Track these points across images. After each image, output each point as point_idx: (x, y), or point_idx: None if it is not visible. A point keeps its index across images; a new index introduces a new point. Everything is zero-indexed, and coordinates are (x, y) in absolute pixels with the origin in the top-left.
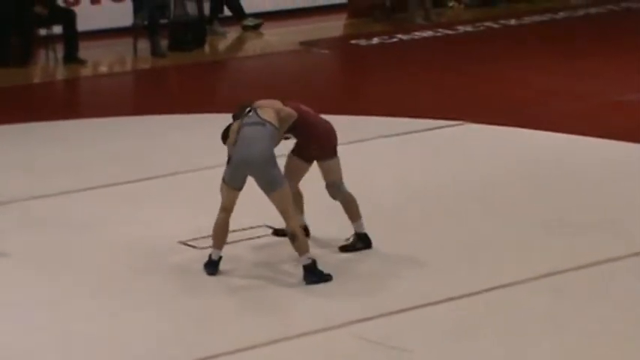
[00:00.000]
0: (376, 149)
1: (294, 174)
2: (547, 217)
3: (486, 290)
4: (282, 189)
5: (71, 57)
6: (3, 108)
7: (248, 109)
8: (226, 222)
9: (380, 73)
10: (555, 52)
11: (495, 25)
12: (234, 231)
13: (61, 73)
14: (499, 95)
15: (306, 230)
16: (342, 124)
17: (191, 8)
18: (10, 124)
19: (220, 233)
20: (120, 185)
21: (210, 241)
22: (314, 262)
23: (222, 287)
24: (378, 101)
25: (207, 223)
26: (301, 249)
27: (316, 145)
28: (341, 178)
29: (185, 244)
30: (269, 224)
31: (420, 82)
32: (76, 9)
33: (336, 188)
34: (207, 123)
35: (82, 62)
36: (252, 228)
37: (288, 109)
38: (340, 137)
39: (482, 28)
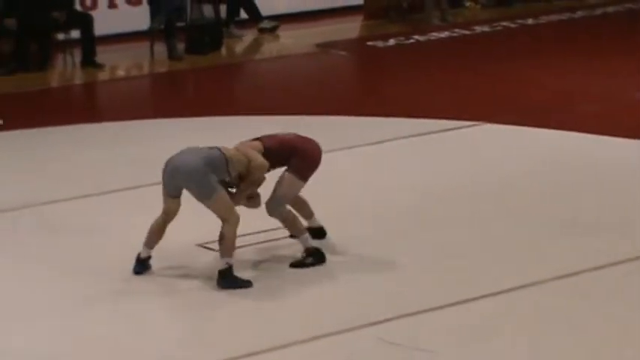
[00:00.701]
0: (394, 150)
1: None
2: (565, 217)
3: (505, 291)
4: (216, 195)
5: (88, 61)
6: (21, 112)
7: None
8: (162, 225)
9: (397, 74)
10: (573, 52)
11: (512, 25)
12: (253, 233)
13: (78, 77)
14: (517, 95)
15: (321, 231)
16: (359, 125)
17: (207, 11)
18: (28, 129)
19: (153, 233)
20: (137, 189)
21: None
22: (230, 268)
23: (243, 289)
24: (396, 102)
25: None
26: (224, 252)
27: (298, 158)
28: (287, 201)
29: (203, 246)
30: None
31: (437, 82)
32: (93, 13)
33: (275, 205)
34: (225, 125)
35: (99, 66)
36: (272, 230)
37: (260, 162)
38: (358, 139)
39: (499, 27)
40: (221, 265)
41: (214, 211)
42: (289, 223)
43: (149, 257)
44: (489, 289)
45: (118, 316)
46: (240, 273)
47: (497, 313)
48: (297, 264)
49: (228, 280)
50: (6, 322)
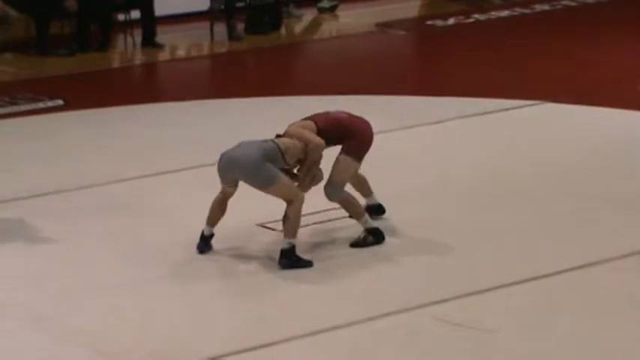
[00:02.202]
0: (454, 130)
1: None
2: (626, 196)
3: (567, 270)
4: (277, 182)
5: (149, 41)
6: (82, 93)
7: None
8: (222, 202)
9: (457, 53)
10: (635, 30)
11: (573, 4)
12: (309, 214)
13: (138, 58)
14: (578, 74)
15: (380, 208)
16: (419, 105)
17: None
18: (89, 109)
19: (214, 210)
20: (198, 168)
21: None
22: (293, 248)
23: (301, 270)
24: (455, 82)
25: (283, 206)
26: (288, 232)
27: (352, 140)
28: (344, 184)
29: (263, 226)
30: None
31: (498, 62)
32: None
33: (333, 189)
34: (284, 105)
35: (159, 46)
36: (326, 210)
37: (316, 142)
38: (417, 118)
39: (559, 6)
40: (284, 244)
41: (278, 196)
42: (348, 205)
43: (212, 235)
44: (550, 269)
45: (178, 296)
46: (300, 253)
47: (558, 293)
48: (357, 244)
49: (290, 259)
50: (68, 300)
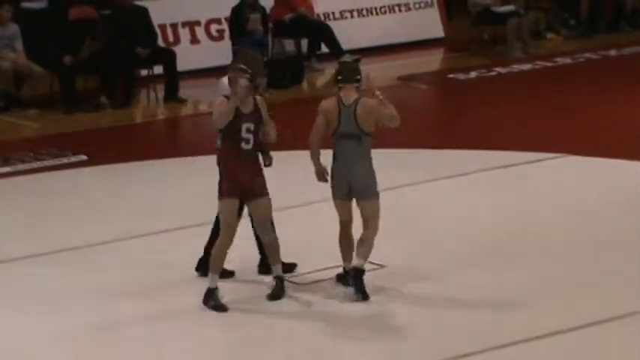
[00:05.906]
0: (477, 183)
1: None
2: None
3: (594, 323)
4: (377, 200)
5: (171, 96)
6: (105, 148)
7: (354, 79)
8: (346, 236)
9: (479, 106)
10: None
11: (595, 57)
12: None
13: (161, 112)
14: (600, 127)
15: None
16: (441, 158)
17: (289, 46)
18: (113, 164)
19: (343, 247)
20: None
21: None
22: (364, 271)
23: (341, 315)
24: (477, 135)
25: (304, 263)
26: (364, 255)
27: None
28: (271, 218)
29: (289, 281)
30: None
31: (520, 114)
32: (176, 49)
33: (267, 227)
34: (307, 159)
35: (182, 101)
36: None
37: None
38: (440, 171)
39: (581, 59)
40: (358, 264)
41: (368, 210)
42: (273, 249)
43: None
44: (577, 322)
45: (203, 348)
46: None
47: (585, 346)
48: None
49: (359, 280)
50: (91, 352)
